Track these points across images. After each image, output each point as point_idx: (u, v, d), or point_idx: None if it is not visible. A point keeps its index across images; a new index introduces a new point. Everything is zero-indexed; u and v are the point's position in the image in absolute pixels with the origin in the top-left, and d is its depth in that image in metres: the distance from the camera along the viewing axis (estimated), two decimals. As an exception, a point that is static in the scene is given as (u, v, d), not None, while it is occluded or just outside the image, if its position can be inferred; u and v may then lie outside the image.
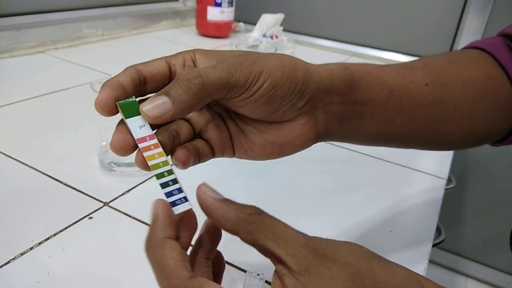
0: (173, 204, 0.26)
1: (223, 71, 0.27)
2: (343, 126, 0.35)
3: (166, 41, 1.24)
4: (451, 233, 1.49)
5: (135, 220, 0.46)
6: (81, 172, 0.53)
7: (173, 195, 0.26)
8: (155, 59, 0.29)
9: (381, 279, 0.23)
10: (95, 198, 0.48)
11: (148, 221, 0.45)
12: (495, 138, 0.44)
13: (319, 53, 1.32)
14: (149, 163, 0.26)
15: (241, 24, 1.40)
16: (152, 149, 0.27)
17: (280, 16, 1.11)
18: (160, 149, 0.27)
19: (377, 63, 0.38)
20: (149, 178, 0.53)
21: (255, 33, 1.08)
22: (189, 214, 0.26)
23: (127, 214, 0.46)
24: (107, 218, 0.46)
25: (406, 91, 0.37)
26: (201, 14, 1.30)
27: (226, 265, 0.41)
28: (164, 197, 0.26)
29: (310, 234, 0.25)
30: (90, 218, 0.45)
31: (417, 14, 1.24)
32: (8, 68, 0.86)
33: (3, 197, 0.47)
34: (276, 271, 0.25)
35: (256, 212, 0.25)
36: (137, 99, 0.28)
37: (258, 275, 0.38)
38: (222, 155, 0.33)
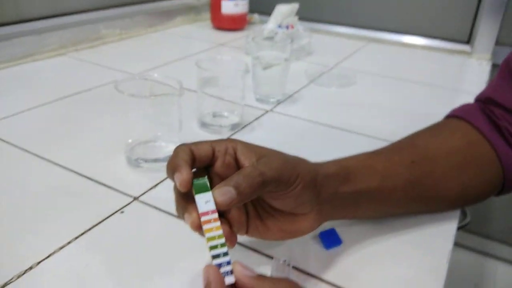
0: None
1: (276, 172, 0.33)
2: (343, 213, 0.42)
3: (182, 37, 1.25)
4: (478, 215, 1.47)
5: (164, 213, 0.47)
6: (110, 169, 0.55)
7: (222, 266, 0.29)
8: (203, 143, 0.35)
9: None
10: (125, 193, 0.50)
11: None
12: (490, 194, 0.50)
13: (336, 40, 1.31)
14: (207, 235, 0.30)
15: (256, 16, 1.41)
16: (212, 223, 0.31)
17: (294, 6, 1.11)
18: (218, 223, 0.31)
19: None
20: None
21: (270, 25, 1.08)
22: None
23: (156, 208, 0.48)
24: (138, 211, 0.47)
25: (396, 172, 0.43)
26: (215, 8, 1.31)
27: (254, 253, 0.42)
28: None
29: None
30: (122, 212, 0.47)
31: (434, -4, 1.23)
32: (32, 72, 0.89)
33: (38, 196, 0.49)
34: None
35: (291, 286, 0.28)
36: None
37: (285, 260, 0.39)
38: (237, 232, 0.36)
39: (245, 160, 0.35)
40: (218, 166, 0.35)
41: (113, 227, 0.45)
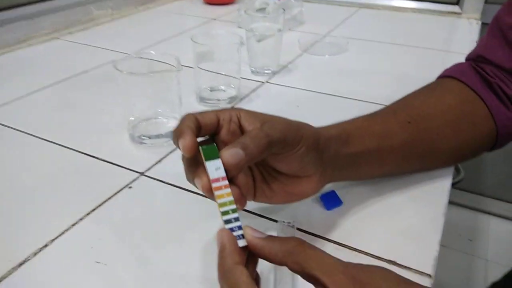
0: None
1: (281, 133, 0.34)
2: (345, 175, 0.44)
3: (174, 14, 1.25)
4: (471, 172, 1.50)
5: (170, 186, 0.49)
6: (114, 147, 0.56)
7: (233, 231, 0.30)
8: (208, 112, 0.36)
9: None
10: (131, 170, 0.52)
11: (183, 185, 0.48)
12: (484, 150, 0.52)
13: (327, 8, 1.31)
14: (219, 201, 0.31)
15: (246, -12, 1.39)
16: (223, 189, 0.32)
17: (284, -24, 1.10)
18: (229, 190, 0.32)
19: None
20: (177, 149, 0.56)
21: (261, -4, 1.08)
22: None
23: (162, 181, 0.50)
24: (145, 186, 0.49)
25: (393, 133, 0.45)
26: (205, -18, 1.29)
27: (259, 217, 0.44)
28: None
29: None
30: (130, 187, 0.49)
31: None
32: (28, 57, 0.89)
33: (47, 178, 0.51)
34: None
35: (299, 244, 0.29)
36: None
37: (290, 223, 0.41)
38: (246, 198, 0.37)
39: (249, 126, 0.36)
40: (224, 133, 0.36)
41: (122, 202, 0.47)
